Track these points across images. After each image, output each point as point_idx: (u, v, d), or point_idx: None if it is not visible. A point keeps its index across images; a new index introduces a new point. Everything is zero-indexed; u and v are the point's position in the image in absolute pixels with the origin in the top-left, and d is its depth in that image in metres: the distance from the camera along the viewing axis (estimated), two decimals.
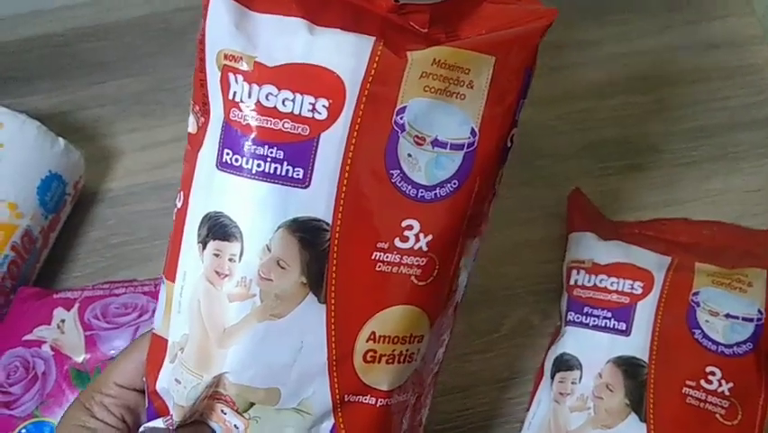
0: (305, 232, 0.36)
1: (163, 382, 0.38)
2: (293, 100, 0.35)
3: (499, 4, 0.38)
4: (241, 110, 0.36)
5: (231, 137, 0.36)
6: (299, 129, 0.35)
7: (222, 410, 0.38)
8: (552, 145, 0.65)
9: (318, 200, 0.36)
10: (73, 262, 0.63)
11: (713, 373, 0.49)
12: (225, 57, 0.36)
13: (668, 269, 0.52)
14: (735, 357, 0.49)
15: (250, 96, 0.36)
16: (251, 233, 0.36)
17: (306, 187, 0.35)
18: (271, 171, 0.35)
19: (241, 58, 0.36)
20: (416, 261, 0.37)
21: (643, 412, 0.48)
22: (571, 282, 0.54)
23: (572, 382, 0.50)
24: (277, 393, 0.37)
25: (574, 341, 0.52)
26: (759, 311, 0.50)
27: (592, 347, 0.51)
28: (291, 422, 0.37)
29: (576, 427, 0.49)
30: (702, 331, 0.50)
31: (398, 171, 0.36)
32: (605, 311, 0.52)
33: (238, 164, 0.36)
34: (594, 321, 0.52)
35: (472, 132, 0.38)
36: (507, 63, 0.37)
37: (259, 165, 0.35)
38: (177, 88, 0.70)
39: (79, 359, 0.52)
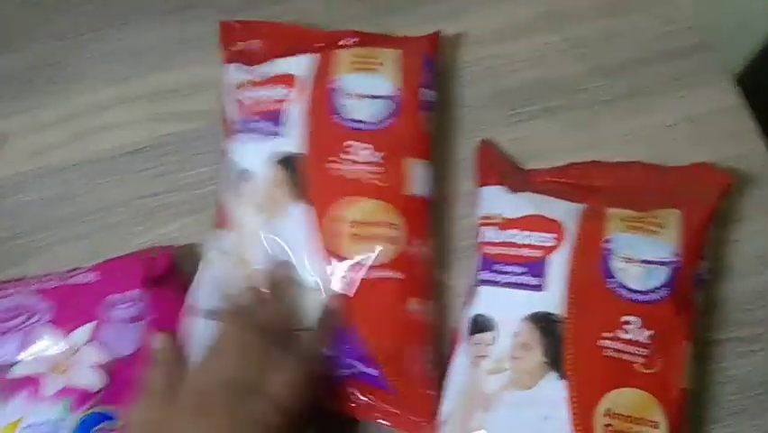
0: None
1: None
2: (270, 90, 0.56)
3: None
4: (246, 104, 0.57)
5: (240, 124, 0.56)
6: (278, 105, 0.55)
7: None
8: (463, 95, 0.62)
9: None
10: None
11: (628, 323, 0.48)
12: (234, 86, 0.58)
13: (580, 217, 0.51)
14: (652, 304, 0.48)
15: (250, 97, 0.57)
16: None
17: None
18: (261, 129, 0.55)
19: (243, 82, 0.58)
20: (367, 168, 0.52)
21: (561, 369, 0.47)
22: (482, 240, 0.52)
23: (488, 344, 0.49)
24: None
25: (487, 301, 0.50)
26: (673, 254, 0.50)
27: (506, 306, 0.50)
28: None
29: (494, 389, 0.48)
30: (617, 279, 0.49)
31: (340, 114, 0.54)
32: (517, 267, 0.50)
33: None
34: (506, 278, 0.50)
35: (392, 87, 0.56)
36: (409, 52, 0.58)
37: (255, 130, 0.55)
38: (57, 63, 0.66)
39: None
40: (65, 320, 0.50)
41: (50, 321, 0.50)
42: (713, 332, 0.54)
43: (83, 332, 0.50)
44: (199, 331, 0.51)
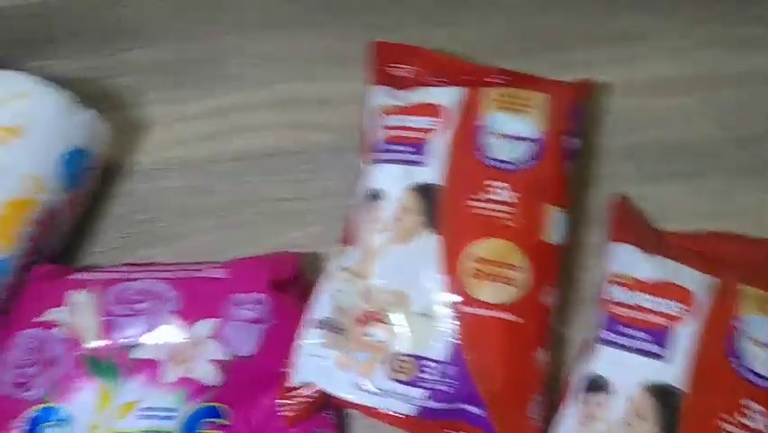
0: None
1: None
2: (415, 120, 0.57)
3: None
4: (388, 129, 0.58)
5: (381, 148, 0.57)
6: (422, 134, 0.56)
7: None
8: (598, 145, 0.61)
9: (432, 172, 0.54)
10: (94, 237, 0.62)
11: (748, 408, 0.46)
12: (378, 109, 0.59)
13: (714, 291, 0.50)
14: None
15: (392, 121, 0.58)
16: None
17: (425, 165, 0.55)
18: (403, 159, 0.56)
19: (387, 106, 0.59)
20: (504, 208, 0.52)
21: None
22: (608, 297, 0.51)
23: (601, 406, 0.48)
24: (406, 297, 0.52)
25: (606, 361, 0.49)
26: None
27: (624, 370, 0.48)
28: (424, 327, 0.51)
29: None
30: (742, 361, 0.47)
31: (485, 153, 0.55)
32: (642, 332, 0.49)
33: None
34: (629, 342, 0.49)
35: (538, 132, 0.55)
36: (558, 98, 0.58)
37: (396, 154, 0.56)
38: (211, 60, 0.68)
39: (92, 345, 0.51)
40: (189, 312, 0.52)
41: (175, 311, 0.52)
42: None
43: (205, 326, 0.52)
44: (308, 340, 0.52)
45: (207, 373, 0.51)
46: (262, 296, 0.53)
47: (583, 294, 0.57)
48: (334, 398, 0.51)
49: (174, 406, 0.50)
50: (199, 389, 0.51)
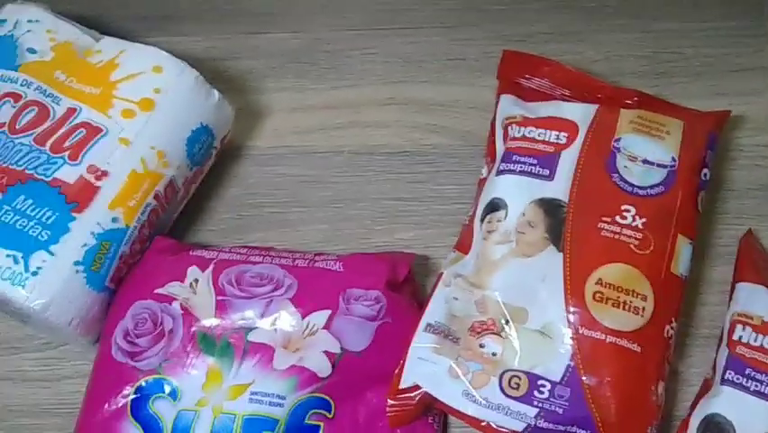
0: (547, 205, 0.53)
1: None
2: (544, 133, 0.55)
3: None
4: (515, 140, 0.56)
5: (506, 158, 0.56)
6: (550, 148, 0.55)
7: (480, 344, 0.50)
8: (730, 178, 0.60)
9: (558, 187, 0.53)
10: (208, 217, 0.63)
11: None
12: (506, 119, 0.58)
13: None
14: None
15: (520, 132, 0.56)
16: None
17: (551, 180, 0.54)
18: (529, 171, 0.55)
19: (515, 116, 0.58)
20: (634, 234, 0.51)
21: None
22: (735, 338, 0.50)
23: None
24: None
25: (730, 404, 0.48)
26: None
27: (750, 415, 0.47)
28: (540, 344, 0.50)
29: None
30: None
31: (617, 175, 0.53)
32: None
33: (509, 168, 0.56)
34: (756, 386, 0.47)
35: (672, 159, 0.54)
36: (693, 126, 0.56)
37: (521, 166, 0.55)
38: (336, 52, 0.68)
39: (208, 323, 0.52)
40: (306, 301, 0.52)
41: (291, 298, 0.52)
42: None
43: (320, 317, 0.51)
44: (421, 344, 0.52)
45: (319, 364, 0.50)
46: (378, 293, 0.52)
47: (699, 331, 0.55)
48: (442, 404, 0.51)
49: (284, 393, 0.50)
50: (310, 378, 0.50)
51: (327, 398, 0.51)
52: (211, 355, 0.51)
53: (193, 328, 0.51)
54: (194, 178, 0.60)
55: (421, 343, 0.52)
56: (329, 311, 0.52)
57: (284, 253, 0.55)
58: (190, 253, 0.55)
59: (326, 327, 0.51)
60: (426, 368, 0.51)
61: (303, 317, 0.51)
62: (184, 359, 0.51)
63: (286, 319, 0.52)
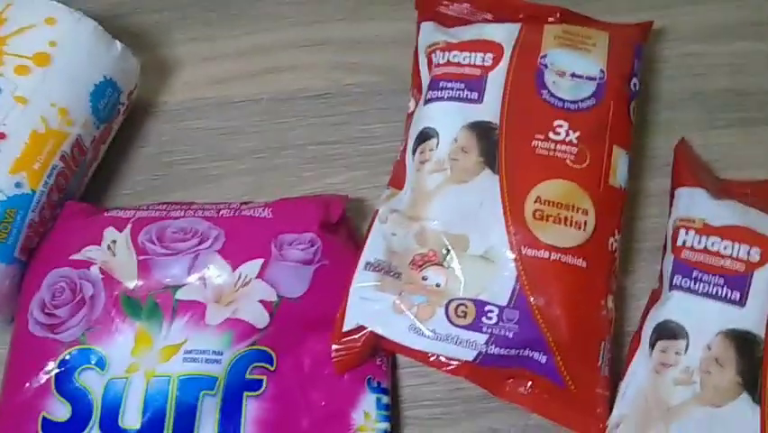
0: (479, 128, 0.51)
1: None
2: (469, 57, 0.54)
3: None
4: (440, 66, 0.54)
5: (433, 86, 0.54)
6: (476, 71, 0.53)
7: None
8: (659, 90, 0.59)
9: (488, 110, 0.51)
10: (123, 179, 0.59)
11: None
12: (429, 47, 0.56)
13: None
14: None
15: (444, 58, 0.54)
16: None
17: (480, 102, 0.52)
18: (457, 96, 0.52)
19: (438, 42, 0.55)
20: (569, 149, 0.50)
21: (757, 393, 0.43)
22: (679, 243, 0.49)
23: (677, 353, 0.45)
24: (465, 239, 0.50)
25: (680, 308, 0.47)
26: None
27: (701, 316, 0.46)
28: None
29: (679, 402, 0.44)
30: None
31: (546, 91, 0.51)
32: (717, 277, 0.46)
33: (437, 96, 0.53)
34: (704, 288, 0.46)
35: (601, 71, 0.53)
36: (619, 38, 0.54)
37: (449, 92, 0.53)
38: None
39: (131, 285, 0.48)
40: (235, 252, 0.49)
41: (219, 250, 0.49)
42: None
43: (252, 266, 0.48)
44: (361, 283, 0.49)
45: (255, 315, 0.47)
46: (312, 235, 0.49)
47: (642, 245, 0.54)
48: (388, 343, 0.48)
49: (220, 349, 0.47)
50: (246, 331, 0.47)
51: (267, 349, 0.48)
52: (137, 319, 0.47)
53: (115, 292, 0.48)
54: (102, 137, 0.55)
55: (362, 282, 0.49)
56: (261, 259, 0.49)
57: (207, 206, 0.52)
58: (105, 214, 0.51)
59: (260, 275, 0.48)
60: (369, 307, 0.48)
61: (234, 269, 0.48)
62: (109, 325, 0.47)
63: (215, 273, 0.48)
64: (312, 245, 0.49)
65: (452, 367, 0.48)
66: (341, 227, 0.52)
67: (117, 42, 0.55)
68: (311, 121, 0.59)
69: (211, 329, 0.47)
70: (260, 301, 0.48)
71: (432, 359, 0.48)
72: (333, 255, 0.50)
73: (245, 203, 0.52)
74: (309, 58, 0.61)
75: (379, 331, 0.48)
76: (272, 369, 0.48)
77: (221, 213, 0.51)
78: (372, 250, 0.50)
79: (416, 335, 0.48)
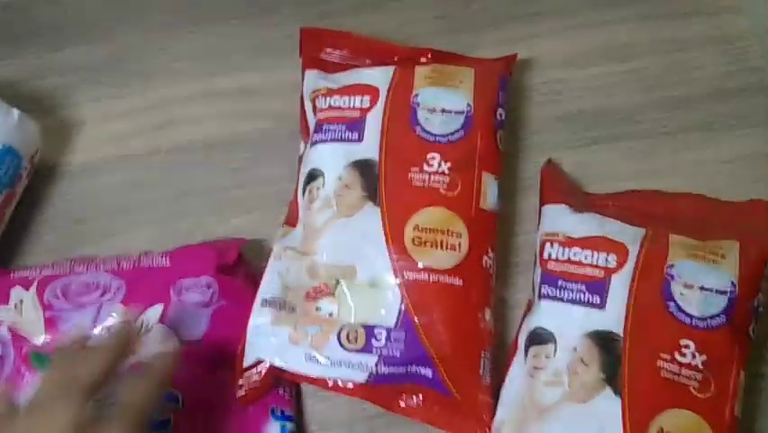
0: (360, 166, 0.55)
1: None
2: (349, 100, 0.58)
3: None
4: (323, 110, 0.59)
5: (317, 129, 0.58)
6: (355, 113, 0.58)
7: None
8: (528, 116, 0.63)
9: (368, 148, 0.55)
10: (31, 239, 0.61)
11: (687, 346, 0.48)
12: (313, 93, 0.60)
13: (642, 241, 0.52)
14: (708, 330, 0.49)
15: (326, 103, 0.58)
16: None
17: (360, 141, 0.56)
18: (339, 137, 0.57)
19: (321, 89, 0.59)
20: (442, 178, 0.54)
21: (617, 386, 0.47)
22: (545, 256, 0.53)
23: (546, 357, 0.50)
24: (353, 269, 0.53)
25: (548, 315, 0.51)
26: (732, 283, 0.50)
27: (567, 321, 0.50)
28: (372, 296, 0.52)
29: (551, 402, 0.48)
30: (677, 303, 0.49)
31: (419, 127, 0.56)
32: (579, 284, 0.51)
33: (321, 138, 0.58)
34: (569, 295, 0.51)
35: (468, 105, 0.57)
36: (484, 72, 0.59)
37: (332, 133, 0.57)
38: (141, 55, 0.68)
39: (39, 341, 0.50)
40: (136, 300, 0.51)
41: (122, 300, 0.51)
42: (760, 365, 0.54)
43: (153, 313, 0.51)
44: (258, 319, 0.52)
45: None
46: (209, 279, 0.52)
47: (519, 258, 0.58)
48: (288, 373, 0.52)
49: None
50: None
51: (173, 390, 0.50)
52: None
53: (24, 349, 0.50)
54: (6, 201, 0.58)
55: (259, 318, 0.52)
56: (161, 305, 0.51)
57: (108, 259, 0.55)
58: (12, 275, 0.53)
59: (161, 321, 0.51)
60: (266, 341, 0.52)
61: (136, 317, 0.51)
62: (19, 381, 0.50)
63: (120, 322, 0.51)
64: (209, 288, 0.52)
65: (348, 389, 0.51)
66: (239, 269, 0.55)
67: (14, 110, 0.57)
68: (210, 168, 0.63)
69: (119, 376, 0.50)
70: (163, 345, 0.50)
71: (330, 384, 0.51)
72: (231, 296, 0.53)
73: (145, 253, 0.55)
74: (205, 109, 0.65)
75: (278, 363, 0.51)
76: (180, 408, 0.50)
77: (121, 265, 0.54)
78: (268, 287, 0.54)
79: (312, 363, 0.51)
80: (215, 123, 0.64)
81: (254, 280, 0.56)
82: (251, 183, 0.62)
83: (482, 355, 0.52)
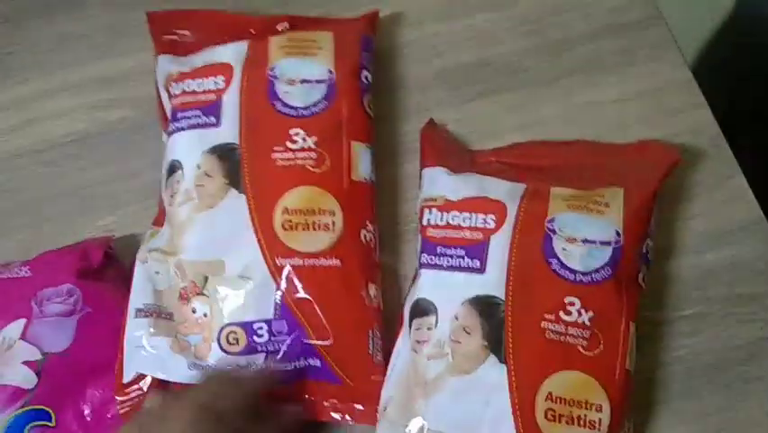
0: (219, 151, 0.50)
1: None
2: (202, 83, 0.53)
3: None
4: (177, 96, 0.54)
5: (173, 117, 0.53)
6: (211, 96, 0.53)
7: None
8: (407, 75, 0.60)
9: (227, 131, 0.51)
10: None
11: (572, 304, 0.46)
12: (166, 79, 0.55)
13: (522, 197, 0.49)
14: (593, 285, 0.46)
15: (179, 89, 0.54)
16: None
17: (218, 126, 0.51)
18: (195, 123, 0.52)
19: (173, 74, 0.55)
20: (308, 155, 0.50)
21: (502, 353, 0.45)
22: (424, 222, 0.50)
23: (428, 328, 0.47)
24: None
25: (429, 284, 0.48)
26: (617, 232, 0.47)
27: (447, 289, 0.47)
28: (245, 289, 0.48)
29: (434, 375, 0.46)
30: (559, 260, 0.46)
31: (279, 102, 0.51)
32: (458, 249, 0.48)
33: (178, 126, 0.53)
34: (448, 261, 0.48)
35: (329, 71, 0.53)
36: (343, 35, 0.55)
37: (187, 120, 0.52)
38: (12, 52, 0.63)
39: None
40: None
41: None
42: (660, 311, 0.51)
43: (14, 328, 0.47)
44: (134, 332, 0.49)
45: (21, 377, 0.47)
46: (70, 286, 0.49)
47: (408, 226, 0.55)
48: (174, 384, 0.48)
49: None
50: (15, 394, 0.46)
51: (43, 407, 0.47)
52: None
53: None
54: None
55: (134, 331, 0.49)
56: (24, 320, 0.48)
57: None
58: None
59: (22, 336, 0.47)
60: (146, 354, 0.48)
61: None
62: None
63: None
64: (70, 296, 0.48)
65: None
66: (107, 270, 0.52)
67: None
68: (76, 165, 0.59)
69: None
70: (24, 363, 0.47)
71: None
72: (97, 301, 0.49)
73: (6, 264, 0.51)
74: (68, 102, 0.60)
75: (161, 376, 0.48)
76: (52, 425, 0.47)
77: None
78: (139, 295, 0.50)
79: (197, 372, 0.47)
80: (78, 115, 0.60)
81: (128, 279, 0.52)
82: (120, 177, 0.58)
83: (370, 334, 0.49)
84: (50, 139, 0.59)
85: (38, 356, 0.47)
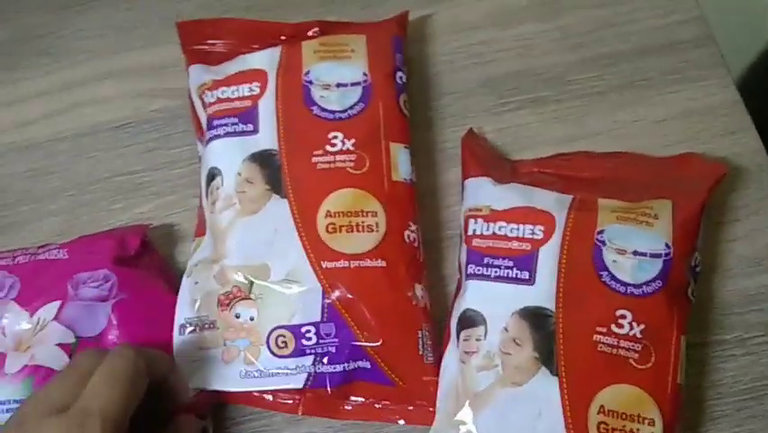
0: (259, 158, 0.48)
1: None
2: (237, 90, 0.52)
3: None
4: (212, 105, 0.52)
5: (209, 125, 0.51)
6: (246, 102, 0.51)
7: None
8: (451, 82, 0.57)
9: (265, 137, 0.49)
10: None
11: (624, 317, 0.43)
12: (199, 88, 0.53)
13: (569, 208, 0.46)
14: (644, 297, 0.43)
15: (214, 96, 0.52)
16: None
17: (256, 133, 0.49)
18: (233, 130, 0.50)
19: (206, 82, 0.52)
20: (348, 157, 0.48)
21: (553, 365, 0.42)
22: (470, 233, 0.47)
23: (477, 339, 0.44)
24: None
25: (476, 295, 0.45)
26: (666, 245, 0.45)
27: (495, 300, 0.45)
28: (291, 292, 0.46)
29: (484, 387, 0.43)
30: (609, 272, 0.44)
31: (316, 106, 0.50)
32: (506, 260, 0.45)
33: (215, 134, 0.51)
34: (495, 272, 0.45)
35: (364, 74, 0.51)
36: (375, 37, 0.53)
37: (224, 128, 0.51)
38: (44, 35, 0.61)
39: None
40: (31, 297, 0.45)
41: (16, 298, 0.45)
42: (698, 333, 0.49)
43: (48, 310, 0.45)
44: (182, 346, 0.47)
45: (53, 358, 0.44)
46: (106, 271, 0.46)
47: (451, 232, 0.53)
48: (230, 396, 0.46)
49: (21, 397, 0.43)
50: (48, 375, 0.44)
51: None
52: None
53: None
54: None
55: (183, 345, 0.46)
56: (58, 302, 0.45)
57: (4, 254, 0.48)
58: None
59: (56, 318, 0.45)
60: (198, 368, 0.46)
61: (32, 315, 0.45)
62: None
63: (14, 321, 0.45)
64: (107, 281, 0.46)
65: (287, 405, 0.46)
66: (143, 258, 0.49)
67: None
68: (117, 152, 0.56)
69: (8, 378, 0.44)
70: (58, 345, 0.44)
71: (269, 399, 0.46)
72: (133, 288, 0.47)
73: (43, 246, 0.49)
74: (110, 89, 0.58)
75: (217, 387, 0.46)
76: None
77: (17, 260, 0.47)
78: (182, 309, 0.47)
79: (249, 379, 0.45)
80: (122, 103, 0.57)
81: (163, 268, 0.50)
82: (160, 165, 0.55)
83: (419, 334, 0.46)
84: (90, 125, 0.57)
85: (71, 339, 0.45)
